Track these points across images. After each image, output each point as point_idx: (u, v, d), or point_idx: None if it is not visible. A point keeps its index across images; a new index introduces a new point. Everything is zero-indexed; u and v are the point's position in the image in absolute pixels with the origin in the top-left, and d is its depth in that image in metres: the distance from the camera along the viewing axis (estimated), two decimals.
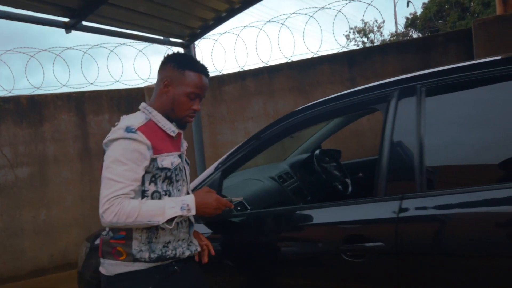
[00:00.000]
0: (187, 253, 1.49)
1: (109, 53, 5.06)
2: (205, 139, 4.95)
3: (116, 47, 5.08)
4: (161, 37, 4.45)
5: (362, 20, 17.79)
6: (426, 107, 1.53)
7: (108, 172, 1.31)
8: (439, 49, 3.58)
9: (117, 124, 1.40)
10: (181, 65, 1.43)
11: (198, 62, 1.46)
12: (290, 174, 2.77)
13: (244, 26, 4.77)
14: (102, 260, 1.44)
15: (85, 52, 5.01)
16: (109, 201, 1.28)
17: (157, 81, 1.48)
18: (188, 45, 4.72)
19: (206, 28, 4.46)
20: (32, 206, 4.82)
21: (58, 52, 4.94)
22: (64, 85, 5.00)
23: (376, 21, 18.08)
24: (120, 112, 5.16)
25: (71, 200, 4.96)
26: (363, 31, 18.12)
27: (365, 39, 18.06)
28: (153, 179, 1.39)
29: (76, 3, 3.15)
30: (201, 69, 1.46)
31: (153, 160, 1.37)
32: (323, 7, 4.19)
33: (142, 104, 1.47)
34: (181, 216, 1.37)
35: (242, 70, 4.81)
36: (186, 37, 4.61)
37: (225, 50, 4.82)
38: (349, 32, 18.05)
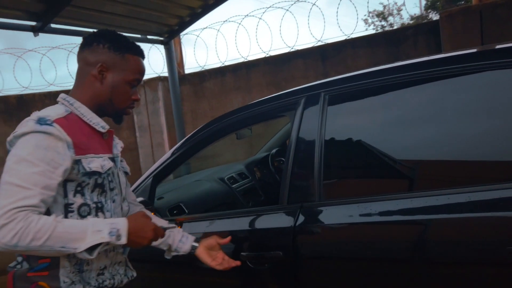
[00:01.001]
0: (125, 280, 1.25)
1: None
2: None
3: None
4: (139, 36, 4.50)
5: (382, 3, 17.33)
6: (328, 115, 1.52)
7: (10, 175, 0.97)
8: (409, 42, 3.49)
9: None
10: (120, 47, 1.17)
11: (135, 43, 1.23)
12: (245, 174, 2.78)
13: (224, 21, 4.76)
14: None
15: (70, 51, 5.11)
16: (8, 213, 0.93)
17: (82, 65, 1.18)
18: (168, 42, 4.76)
19: (183, 24, 4.48)
20: None
21: (44, 52, 5.05)
22: (51, 84, 5.12)
23: (395, 3, 17.56)
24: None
25: None
26: (382, 15, 17.66)
27: (384, 23, 17.60)
28: (79, 188, 1.09)
29: (39, 6, 3.22)
30: (141, 52, 1.23)
31: (77, 162, 1.07)
32: (297, 0, 4.13)
33: (62, 95, 1.17)
34: (107, 243, 1.04)
35: (222, 66, 4.81)
36: (164, 34, 4.64)
37: (206, 46, 4.83)
38: (368, 16, 17.61)
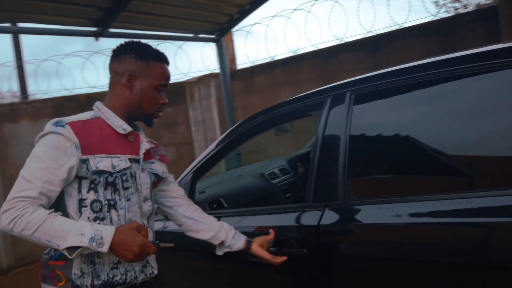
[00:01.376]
0: (141, 277, 1.28)
1: None
2: None
3: (158, 44, 5.43)
4: (191, 35, 4.68)
5: None
6: (354, 114, 1.51)
7: (23, 169, 1.12)
8: (466, 29, 3.26)
9: None
10: (144, 56, 1.26)
11: (158, 50, 1.31)
12: (286, 170, 2.81)
13: (273, 16, 4.79)
14: (42, 285, 1.23)
15: None
16: (11, 201, 1.07)
17: (113, 76, 1.28)
18: (219, 39, 4.89)
19: (233, 22, 4.59)
20: None
21: (108, 54, 5.43)
22: None
23: None
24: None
25: None
26: None
27: (457, 4, 16.41)
28: (92, 185, 1.18)
29: (99, 14, 3.49)
30: (164, 58, 1.32)
31: (84, 161, 1.15)
32: None
33: (96, 103, 1.30)
34: (88, 248, 1.08)
35: (271, 60, 4.86)
36: (215, 32, 4.78)
37: (256, 41, 4.89)
38: None
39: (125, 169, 1.23)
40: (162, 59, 1.31)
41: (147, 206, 1.32)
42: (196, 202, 2.22)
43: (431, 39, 3.49)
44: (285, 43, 4.41)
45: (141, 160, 1.30)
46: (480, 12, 3.26)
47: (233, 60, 5.65)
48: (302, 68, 4.51)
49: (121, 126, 1.26)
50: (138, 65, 1.26)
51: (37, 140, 1.18)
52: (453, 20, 3.48)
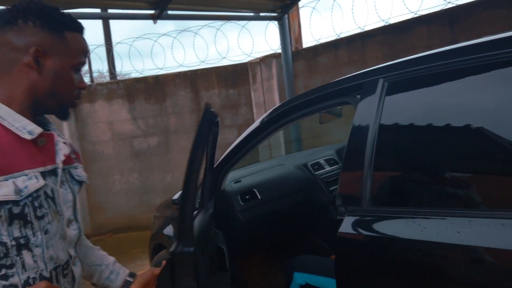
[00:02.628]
0: None
1: (216, 32, 5.40)
2: None
3: (222, 25, 5.39)
4: (252, 14, 4.53)
5: None
6: (386, 105, 1.27)
7: None
8: None
9: None
10: (56, 24, 0.91)
11: (71, 16, 0.95)
12: (334, 160, 2.58)
13: None
14: None
15: (196, 33, 5.49)
16: None
17: (6, 51, 0.89)
18: (282, 17, 4.68)
19: None
20: (160, 169, 5.73)
21: (175, 35, 5.54)
22: (180, 65, 5.62)
23: None
24: (227, 87, 5.57)
25: None
26: None
27: None
28: None
29: None
30: (81, 27, 0.98)
31: None
32: None
33: None
34: None
35: (336, 38, 4.52)
36: (277, 9, 4.57)
37: (322, 17, 4.59)
38: None
39: (37, 190, 0.87)
40: (78, 28, 0.96)
41: (72, 231, 0.97)
42: (229, 193, 2.14)
43: None
44: (352, 18, 4.04)
45: (59, 171, 0.93)
46: None
47: (298, 38, 5.39)
48: (369, 46, 4.13)
49: (25, 127, 0.88)
50: (47, 37, 0.90)
51: None
52: None
